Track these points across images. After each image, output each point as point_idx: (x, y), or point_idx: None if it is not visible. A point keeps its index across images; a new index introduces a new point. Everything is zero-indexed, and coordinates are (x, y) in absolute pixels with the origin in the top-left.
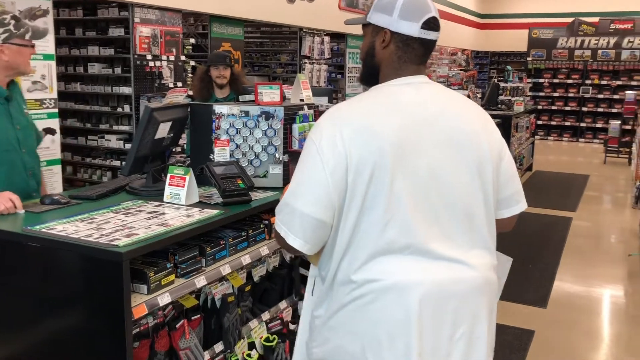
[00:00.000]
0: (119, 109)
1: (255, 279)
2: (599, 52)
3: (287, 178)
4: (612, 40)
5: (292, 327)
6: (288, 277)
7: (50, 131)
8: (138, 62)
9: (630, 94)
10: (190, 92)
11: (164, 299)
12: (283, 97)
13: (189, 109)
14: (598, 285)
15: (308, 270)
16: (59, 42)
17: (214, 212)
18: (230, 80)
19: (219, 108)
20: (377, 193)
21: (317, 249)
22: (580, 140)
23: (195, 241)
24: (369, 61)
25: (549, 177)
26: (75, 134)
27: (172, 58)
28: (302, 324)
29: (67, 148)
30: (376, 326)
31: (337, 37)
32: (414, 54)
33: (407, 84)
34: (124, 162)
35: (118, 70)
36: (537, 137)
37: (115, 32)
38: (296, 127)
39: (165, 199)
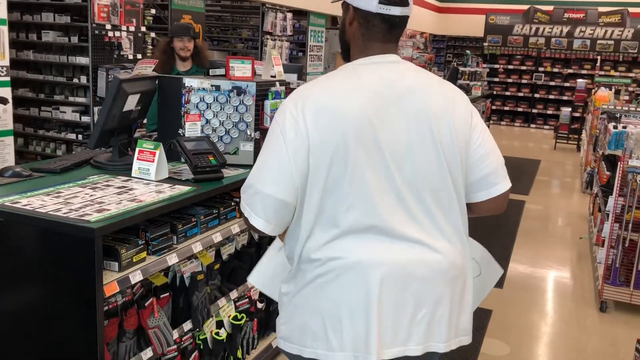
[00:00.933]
0: (75, 80)
1: (224, 257)
2: (553, 40)
3: (258, 155)
4: (565, 29)
5: (259, 305)
6: (256, 256)
7: (1, 100)
8: (96, 32)
9: (581, 82)
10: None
11: (135, 276)
12: (254, 73)
13: (157, 82)
14: (550, 266)
15: None
16: (10, 7)
17: (186, 188)
18: (193, 52)
19: (189, 81)
20: (339, 174)
21: (281, 230)
22: (532, 126)
23: (166, 218)
24: (341, 38)
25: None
26: (28, 104)
27: (132, 29)
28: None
29: (19, 119)
30: (337, 304)
31: (299, 14)
32: (376, 31)
33: (373, 63)
34: (79, 135)
35: (74, 39)
36: (490, 121)
37: None
38: (268, 103)
39: (133, 174)
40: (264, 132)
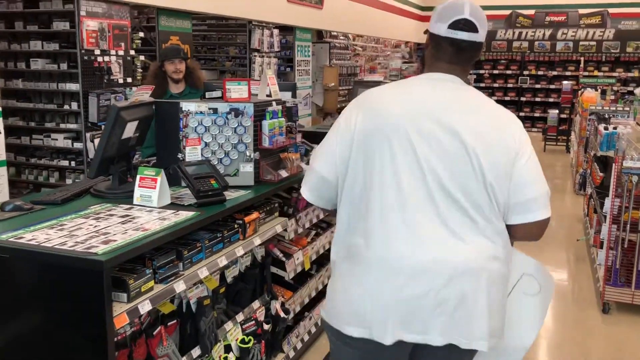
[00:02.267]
0: (66, 106)
1: (229, 280)
2: (536, 43)
3: (258, 176)
4: (548, 32)
5: (266, 327)
6: (260, 276)
7: None
8: (85, 57)
9: (566, 84)
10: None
11: (144, 306)
12: (250, 94)
13: (153, 107)
14: (550, 271)
15: (279, 269)
16: None
17: (190, 214)
18: (185, 74)
19: (186, 105)
20: (374, 170)
21: (320, 202)
22: None
23: (171, 245)
24: (421, 58)
25: None
26: (18, 133)
27: (120, 53)
28: None
29: (10, 148)
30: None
31: (286, 29)
32: (444, 52)
33: (427, 79)
34: (72, 162)
35: (64, 66)
36: None
37: (60, 25)
38: (266, 123)
39: (135, 202)
40: (263, 152)
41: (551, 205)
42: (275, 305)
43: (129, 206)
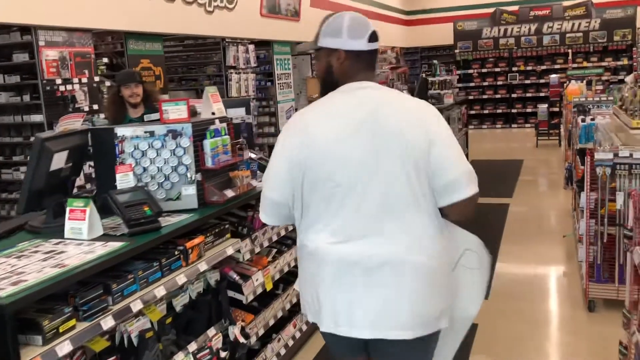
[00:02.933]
0: (32, 139)
1: (177, 308)
2: (522, 39)
3: (202, 198)
4: (533, 27)
5: (223, 354)
6: (215, 302)
7: None
8: (48, 88)
9: (554, 77)
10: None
11: (63, 348)
12: (194, 113)
13: (89, 135)
14: (537, 270)
15: (237, 292)
16: None
17: (118, 244)
18: (143, 97)
19: (121, 131)
20: (314, 186)
21: (280, 223)
22: (513, 126)
23: (101, 278)
24: (328, 78)
25: (485, 165)
26: None
27: (84, 80)
28: None
29: None
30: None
31: (263, 44)
32: (362, 63)
33: (344, 92)
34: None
35: (27, 98)
36: (471, 127)
37: (20, 57)
38: (207, 143)
39: (66, 235)
40: (207, 172)
41: (542, 202)
42: (234, 331)
43: (59, 241)
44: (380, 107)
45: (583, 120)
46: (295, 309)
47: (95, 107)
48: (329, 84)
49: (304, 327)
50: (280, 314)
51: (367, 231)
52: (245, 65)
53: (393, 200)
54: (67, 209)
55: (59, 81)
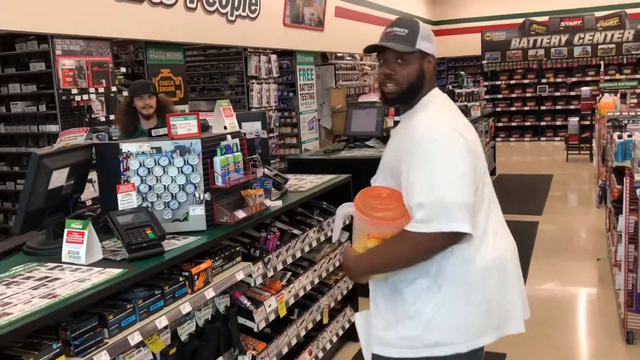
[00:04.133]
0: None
1: (183, 337)
2: (552, 50)
3: (211, 219)
4: (564, 38)
5: None
6: (224, 330)
7: None
8: (64, 97)
9: (585, 90)
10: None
11: None
12: (205, 127)
13: (93, 150)
14: (569, 295)
15: (248, 319)
16: None
17: (116, 272)
18: (157, 108)
19: (126, 146)
20: (480, 175)
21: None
22: (542, 139)
23: (98, 307)
24: (417, 82)
25: (513, 180)
26: (3, 178)
27: (101, 90)
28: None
29: None
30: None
31: (285, 54)
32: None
33: (439, 94)
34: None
35: (43, 107)
36: (498, 139)
37: (37, 66)
38: (218, 160)
39: (63, 259)
40: (217, 191)
41: (573, 221)
42: None
43: (55, 265)
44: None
45: (620, 137)
46: (311, 334)
47: (112, 117)
48: (414, 89)
49: (320, 354)
50: (294, 341)
51: (501, 226)
52: (267, 75)
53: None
54: (65, 231)
55: (74, 91)
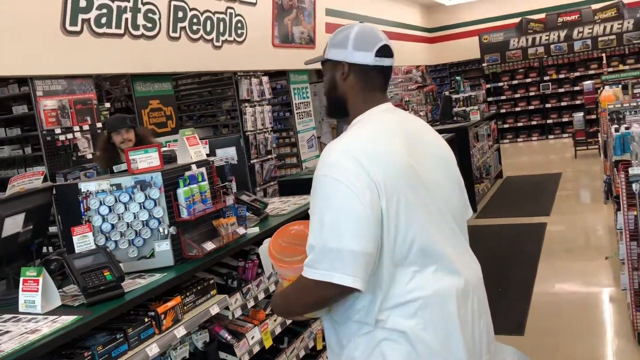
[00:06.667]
0: None
1: None
2: (552, 47)
3: (178, 253)
4: (562, 34)
5: None
6: None
7: None
8: (48, 138)
9: (588, 84)
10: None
11: None
12: (173, 159)
13: (53, 192)
14: (577, 297)
15: (228, 354)
16: None
17: (70, 319)
18: (136, 142)
19: (85, 185)
20: (400, 214)
21: (366, 284)
22: (550, 137)
23: (55, 357)
24: (333, 95)
25: (521, 181)
26: None
27: (86, 127)
28: None
29: None
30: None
31: (278, 75)
32: (375, 82)
33: (386, 111)
34: (50, 248)
35: (28, 150)
36: (506, 140)
37: (19, 109)
38: (181, 191)
39: (20, 309)
40: (182, 224)
41: (582, 220)
42: None
43: (11, 316)
44: (420, 130)
45: (617, 130)
46: None
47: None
48: (335, 103)
49: None
50: None
51: (456, 258)
52: (259, 97)
53: (462, 223)
54: (21, 280)
55: (58, 130)
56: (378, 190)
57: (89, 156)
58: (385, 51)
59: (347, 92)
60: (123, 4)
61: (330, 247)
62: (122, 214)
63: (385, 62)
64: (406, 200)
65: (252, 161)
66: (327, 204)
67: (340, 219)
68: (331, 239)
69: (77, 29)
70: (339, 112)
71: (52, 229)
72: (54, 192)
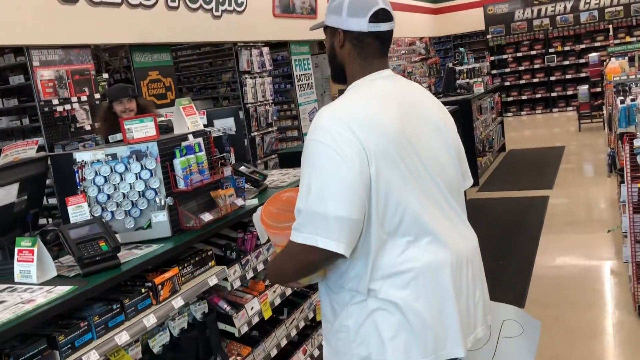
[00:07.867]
0: None
1: (156, 350)
2: (558, 18)
3: (177, 224)
4: (569, 5)
5: None
6: (201, 339)
7: None
8: (46, 109)
9: (593, 56)
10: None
11: None
12: (169, 129)
13: (48, 162)
14: (579, 272)
15: (227, 324)
16: None
17: (65, 289)
18: (137, 111)
19: (80, 155)
20: (391, 182)
21: (351, 250)
22: (554, 110)
23: (51, 328)
24: (332, 61)
25: (524, 155)
26: None
27: (84, 98)
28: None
29: None
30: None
31: (279, 46)
32: (371, 48)
33: (382, 78)
34: (50, 220)
35: (26, 121)
36: (510, 114)
37: (16, 80)
38: (178, 162)
39: (16, 279)
40: (179, 195)
41: (585, 193)
42: None
43: (7, 286)
44: (419, 97)
45: (622, 102)
46: (305, 332)
47: (97, 125)
48: (335, 70)
49: (316, 353)
50: (284, 342)
51: (450, 228)
52: (260, 68)
53: (459, 193)
54: (16, 250)
55: (56, 101)
56: (367, 157)
57: (88, 127)
58: (380, 16)
59: (345, 59)
60: None
61: (315, 211)
62: (118, 184)
63: (381, 27)
64: (396, 168)
65: (252, 134)
66: (315, 168)
67: (327, 184)
68: (317, 203)
69: None
70: (340, 79)
71: (53, 201)
72: (50, 162)
